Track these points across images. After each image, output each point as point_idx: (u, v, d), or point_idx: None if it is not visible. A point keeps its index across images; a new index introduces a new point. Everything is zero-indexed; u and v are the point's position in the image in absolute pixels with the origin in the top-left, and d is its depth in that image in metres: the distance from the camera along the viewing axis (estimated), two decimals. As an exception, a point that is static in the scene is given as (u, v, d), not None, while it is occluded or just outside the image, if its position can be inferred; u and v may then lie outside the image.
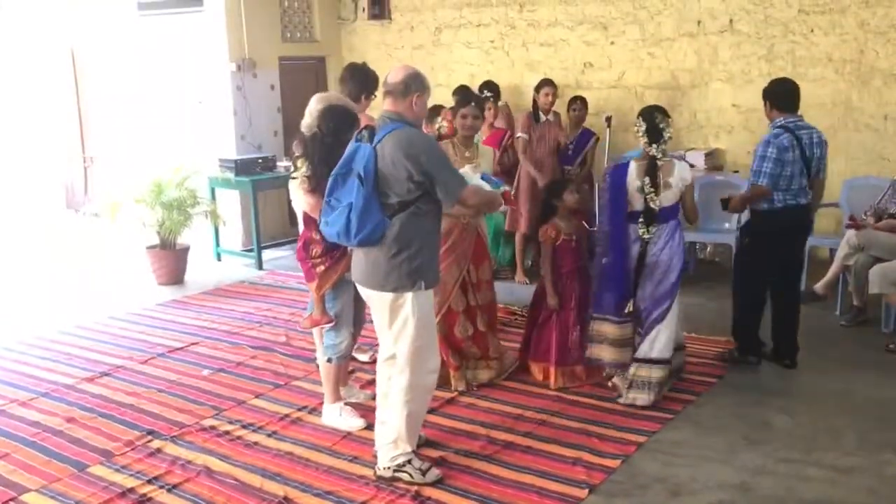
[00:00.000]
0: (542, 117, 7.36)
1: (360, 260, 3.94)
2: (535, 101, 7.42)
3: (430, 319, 3.98)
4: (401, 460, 3.99)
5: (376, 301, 3.93)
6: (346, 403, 4.73)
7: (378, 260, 3.84)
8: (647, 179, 4.71)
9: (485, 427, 4.62)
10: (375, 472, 4.06)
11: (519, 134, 7.29)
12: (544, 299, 5.23)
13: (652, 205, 4.72)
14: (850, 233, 6.12)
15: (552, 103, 7.41)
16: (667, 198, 4.76)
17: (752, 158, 5.20)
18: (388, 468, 4.01)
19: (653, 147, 4.74)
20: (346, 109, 4.46)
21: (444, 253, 4.79)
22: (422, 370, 3.93)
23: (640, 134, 4.78)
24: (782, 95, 5.24)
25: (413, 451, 4.04)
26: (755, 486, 3.95)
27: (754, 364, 5.41)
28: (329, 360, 4.61)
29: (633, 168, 4.80)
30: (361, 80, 5.18)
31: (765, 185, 5.08)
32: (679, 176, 4.79)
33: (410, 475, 3.96)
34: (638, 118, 4.86)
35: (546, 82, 7.51)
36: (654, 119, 4.77)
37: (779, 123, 5.16)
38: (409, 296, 3.82)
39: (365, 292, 3.98)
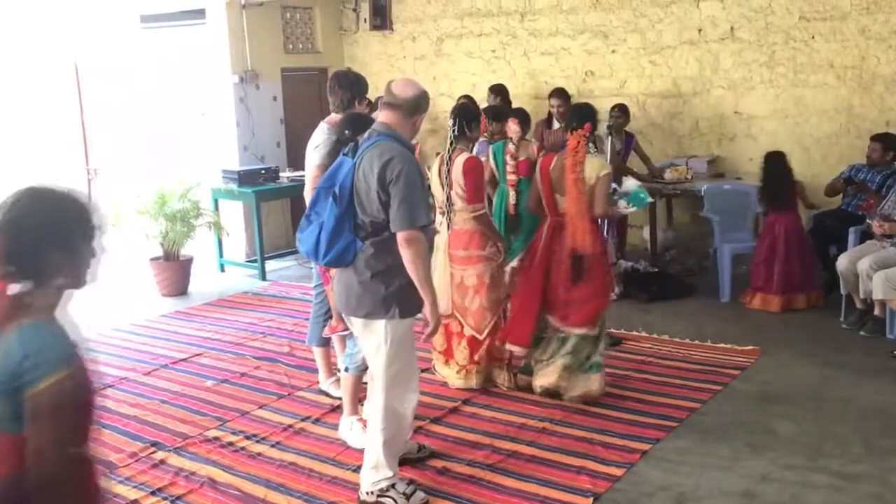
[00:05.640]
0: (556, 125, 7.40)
1: (335, 281, 3.86)
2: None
3: (406, 347, 3.80)
4: (383, 485, 3.88)
5: (352, 323, 3.86)
6: (360, 419, 4.60)
7: (350, 283, 3.72)
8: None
9: (488, 436, 4.61)
10: (359, 498, 3.95)
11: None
12: None
13: None
14: (865, 263, 6.02)
15: (562, 114, 7.48)
16: None
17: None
18: (372, 493, 3.90)
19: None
20: (364, 118, 4.35)
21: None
22: (396, 396, 3.80)
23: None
24: None
25: (395, 475, 3.92)
26: (760, 493, 3.94)
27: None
28: (346, 370, 4.53)
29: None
30: (349, 85, 4.96)
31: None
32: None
33: (395, 500, 3.86)
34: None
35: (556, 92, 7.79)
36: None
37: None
38: (381, 323, 3.69)
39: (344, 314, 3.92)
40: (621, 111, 7.70)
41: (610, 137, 7.03)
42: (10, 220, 2.02)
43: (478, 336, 5.17)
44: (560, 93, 7.83)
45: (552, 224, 5.04)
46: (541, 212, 5.14)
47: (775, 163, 6.77)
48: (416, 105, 3.70)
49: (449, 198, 5.12)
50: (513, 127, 6.02)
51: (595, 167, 4.87)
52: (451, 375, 5.29)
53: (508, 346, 5.14)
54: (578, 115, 5.07)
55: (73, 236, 2.09)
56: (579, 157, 4.84)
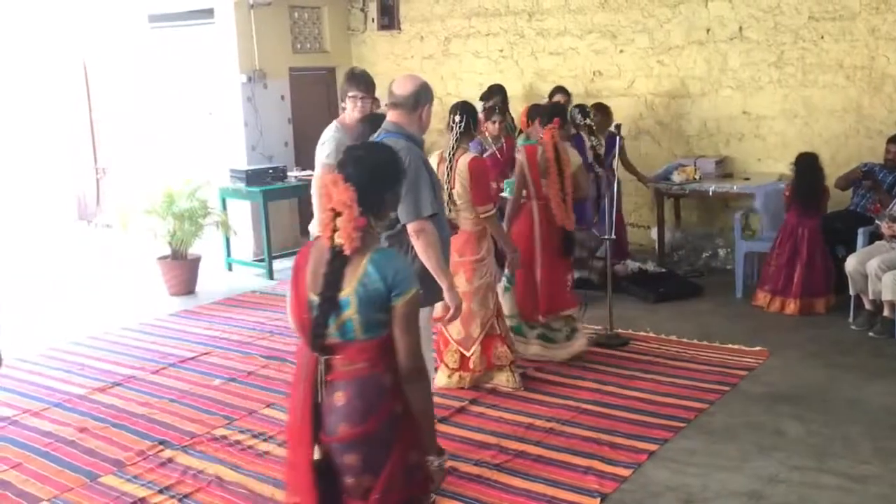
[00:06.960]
0: None
1: None
2: None
3: (423, 340, 3.79)
4: None
5: None
6: None
7: None
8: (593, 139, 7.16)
9: (496, 436, 4.61)
10: None
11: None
12: None
13: (599, 151, 7.19)
14: (874, 263, 6.02)
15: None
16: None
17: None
18: None
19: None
20: (382, 118, 4.35)
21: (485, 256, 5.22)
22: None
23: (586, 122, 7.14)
24: None
25: None
26: (768, 494, 3.93)
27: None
28: None
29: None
30: (342, 84, 5.07)
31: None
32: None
33: None
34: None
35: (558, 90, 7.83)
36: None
37: None
38: None
39: None
40: (598, 110, 7.51)
41: (618, 137, 7.03)
42: (359, 172, 2.56)
43: (465, 353, 5.16)
44: (562, 89, 7.89)
45: (541, 206, 5.62)
46: (527, 195, 5.66)
47: (808, 165, 6.61)
48: (417, 99, 3.84)
49: (451, 197, 5.10)
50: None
51: (572, 155, 5.71)
52: (439, 377, 5.23)
53: (564, 314, 5.65)
54: (549, 112, 5.79)
55: (399, 178, 2.72)
56: (558, 146, 5.54)
